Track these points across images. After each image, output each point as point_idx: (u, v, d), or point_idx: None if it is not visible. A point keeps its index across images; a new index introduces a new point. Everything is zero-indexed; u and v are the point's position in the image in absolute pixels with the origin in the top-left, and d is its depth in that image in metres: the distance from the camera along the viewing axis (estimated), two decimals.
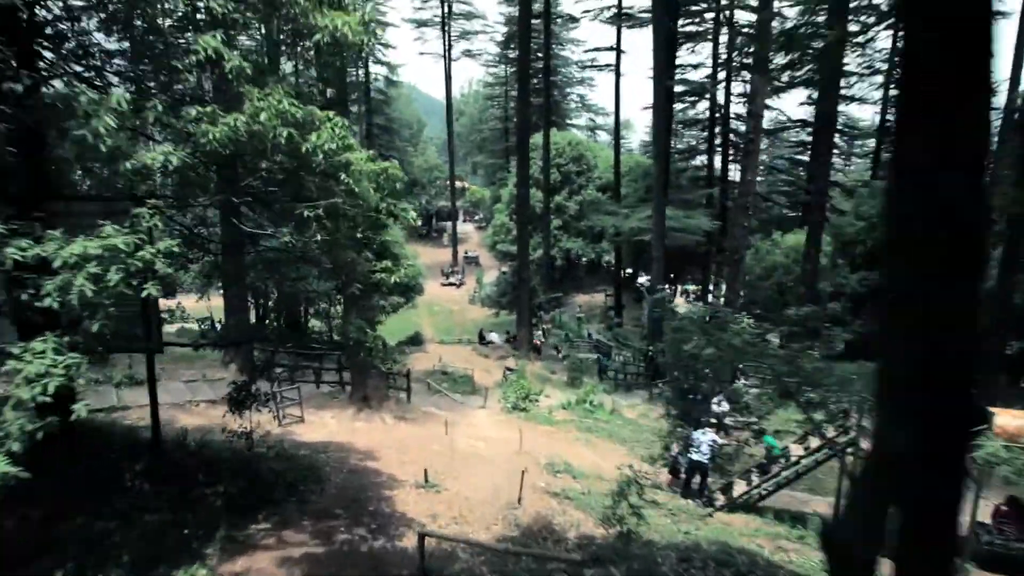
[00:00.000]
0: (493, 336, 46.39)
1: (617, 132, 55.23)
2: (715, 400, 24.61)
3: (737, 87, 62.93)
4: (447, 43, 77.60)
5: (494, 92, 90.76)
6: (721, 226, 52.16)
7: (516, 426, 22.80)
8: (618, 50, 57.38)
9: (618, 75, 56.95)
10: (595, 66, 62.19)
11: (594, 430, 25.05)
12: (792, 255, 46.49)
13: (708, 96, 59.37)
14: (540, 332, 50.74)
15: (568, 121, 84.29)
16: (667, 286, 59.94)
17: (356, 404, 21.42)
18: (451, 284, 73.31)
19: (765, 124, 64.81)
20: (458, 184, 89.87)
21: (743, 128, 63.71)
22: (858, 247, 40.37)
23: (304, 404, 20.96)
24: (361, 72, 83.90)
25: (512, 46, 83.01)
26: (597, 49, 59.72)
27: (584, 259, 73.78)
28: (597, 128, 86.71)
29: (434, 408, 24.51)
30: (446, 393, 27.31)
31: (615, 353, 37.03)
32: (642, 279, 73.79)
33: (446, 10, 77.36)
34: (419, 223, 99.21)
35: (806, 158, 64.71)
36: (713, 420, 22.51)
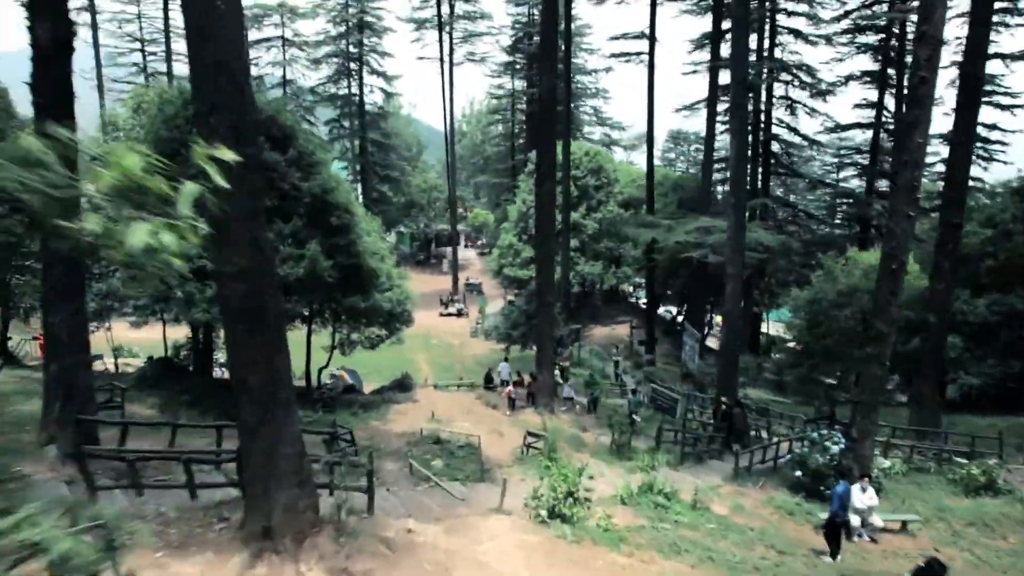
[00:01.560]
0: (503, 370, 36.14)
1: (650, 133, 45.48)
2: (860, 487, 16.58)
3: (779, 89, 53.23)
4: (447, 46, 68.08)
5: (500, 105, 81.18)
6: (782, 242, 41.99)
7: (564, 556, 12.43)
8: (651, 37, 47.55)
9: (651, 67, 47.15)
10: (623, 54, 51.83)
11: (691, 551, 14.48)
12: (874, 276, 36.14)
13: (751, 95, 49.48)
14: (556, 373, 40.47)
15: (581, 134, 74.24)
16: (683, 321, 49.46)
17: (250, 543, 10.50)
18: (451, 314, 62.99)
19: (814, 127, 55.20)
20: (459, 211, 79.92)
21: (784, 135, 54.07)
22: (986, 261, 30.11)
23: (163, 536, 10.31)
24: (355, 84, 74.23)
25: (519, 54, 73.64)
26: (624, 36, 49.33)
27: (603, 286, 63.50)
28: (613, 144, 77.33)
29: (416, 520, 13.80)
30: (438, 483, 16.64)
31: (683, 406, 26.28)
32: (665, 310, 63.50)
33: (447, 9, 67.64)
34: (416, 247, 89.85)
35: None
36: None
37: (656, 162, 64.43)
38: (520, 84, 76.54)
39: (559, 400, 29.16)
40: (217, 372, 30.78)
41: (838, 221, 59.06)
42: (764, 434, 26.97)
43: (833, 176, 60.96)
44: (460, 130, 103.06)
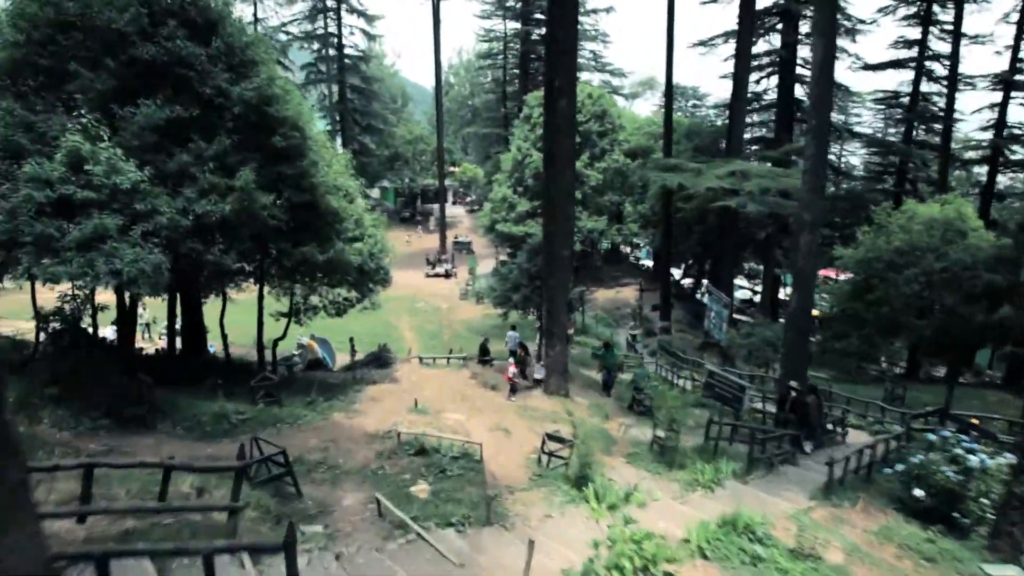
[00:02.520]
0: (511, 339, 29.97)
1: (670, 65, 38.39)
2: None
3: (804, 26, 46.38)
4: None
5: (490, 49, 73.29)
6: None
7: None
8: None
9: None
10: None
11: None
12: (941, 231, 30.01)
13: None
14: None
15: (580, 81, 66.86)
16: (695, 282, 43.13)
17: None
18: (438, 275, 56.50)
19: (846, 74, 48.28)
20: (447, 167, 72.68)
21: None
22: None
23: None
24: (333, 24, 66.46)
25: None
26: None
27: (605, 245, 57.14)
28: (614, 92, 69.85)
29: None
30: (420, 533, 10.25)
31: (748, 396, 19.90)
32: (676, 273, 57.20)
33: None
34: (400, 204, 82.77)
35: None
36: None
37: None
38: (513, 26, 68.93)
39: (555, 377, 22.93)
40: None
41: (865, 174, 52.68)
42: (836, 427, 20.86)
43: (859, 124, 54.55)
44: (447, 82, 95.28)
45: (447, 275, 56.24)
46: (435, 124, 65.03)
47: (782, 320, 46.53)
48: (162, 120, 14.98)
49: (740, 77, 35.51)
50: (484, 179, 72.10)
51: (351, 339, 34.91)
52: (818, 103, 17.65)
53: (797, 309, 19.13)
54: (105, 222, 12.09)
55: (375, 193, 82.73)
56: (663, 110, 54.09)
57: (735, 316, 40.45)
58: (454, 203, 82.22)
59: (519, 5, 66.29)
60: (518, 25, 68.12)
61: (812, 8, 43.66)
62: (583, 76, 66.34)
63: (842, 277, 54.07)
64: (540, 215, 50.08)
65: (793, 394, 19.07)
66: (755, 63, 45.91)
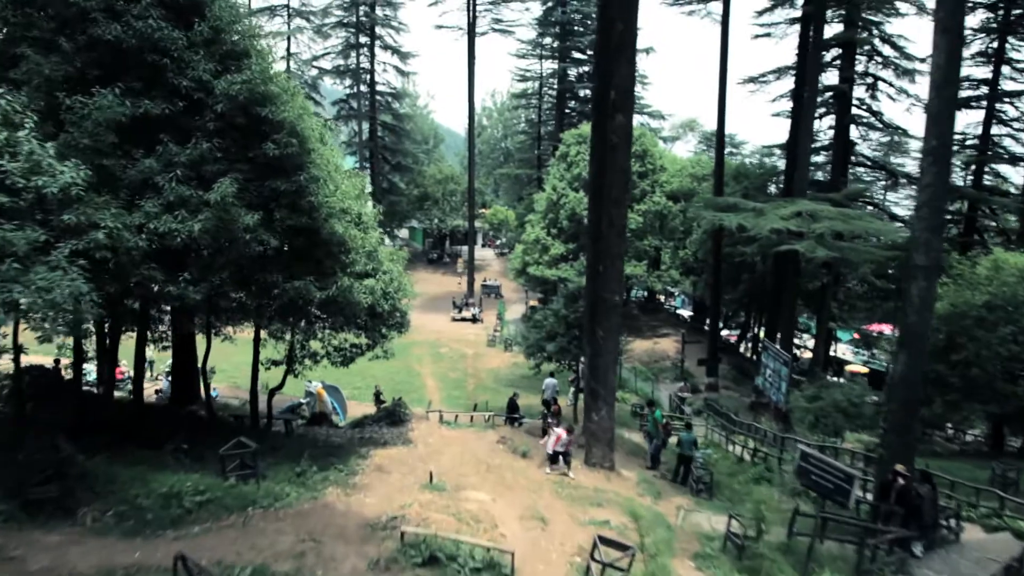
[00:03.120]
0: (548, 387, 26.23)
1: (722, 97, 34.97)
2: None
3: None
4: (470, 12, 57.54)
5: (525, 90, 70.69)
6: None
7: None
8: None
9: (727, 14, 36.09)
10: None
11: None
12: None
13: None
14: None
15: None
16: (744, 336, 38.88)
17: None
18: (465, 319, 52.91)
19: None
20: (478, 208, 69.57)
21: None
22: None
23: None
24: (366, 60, 64.46)
25: (549, 28, 63.58)
26: None
27: (640, 293, 53.29)
28: (653, 134, 66.56)
29: None
30: None
31: (857, 487, 15.68)
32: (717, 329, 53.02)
33: None
34: (428, 244, 79.84)
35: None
36: None
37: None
38: (549, 66, 66.39)
39: (599, 446, 18.94)
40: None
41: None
42: (948, 521, 16.62)
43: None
44: (480, 124, 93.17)
45: (474, 320, 52.68)
46: (466, 165, 62.24)
47: (842, 380, 42.37)
48: (124, 116, 11.69)
49: (805, 110, 31.83)
50: (515, 221, 69.00)
51: (377, 389, 31.20)
52: (939, 118, 13.96)
53: (905, 375, 15.15)
54: (8, 236, 8.65)
55: (403, 233, 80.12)
56: (705, 152, 50.79)
57: None
58: (484, 246, 79.18)
59: (555, 43, 63.81)
60: (554, 65, 65.60)
61: (872, 35, 40.57)
62: None
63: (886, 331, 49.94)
64: (571, 258, 46.79)
65: (899, 481, 14.97)
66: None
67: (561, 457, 17.51)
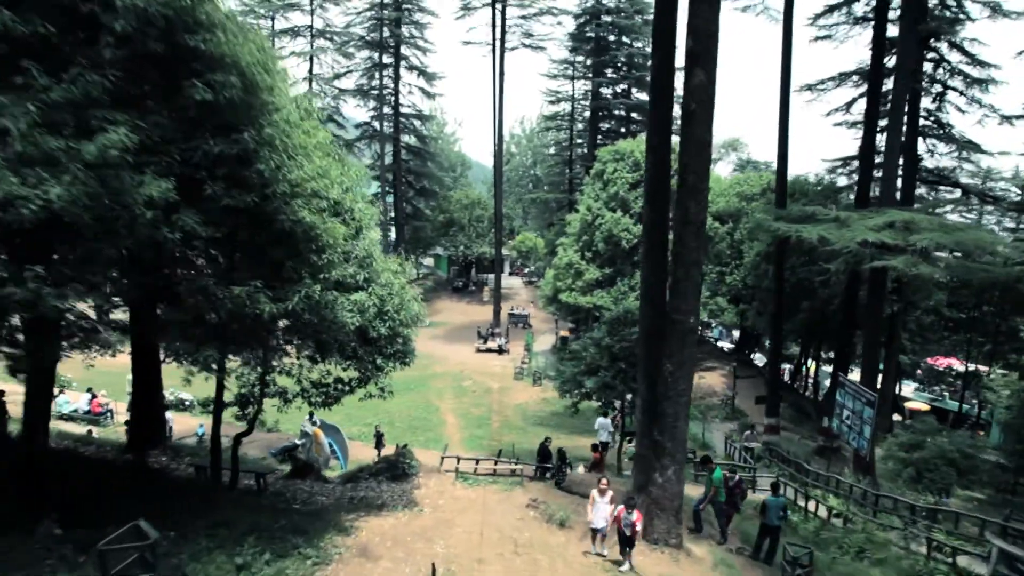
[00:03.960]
0: (602, 429, 21.65)
1: (785, 107, 30.18)
2: None
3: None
4: (499, 27, 53.66)
5: (558, 112, 66.37)
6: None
7: None
8: None
9: (789, 15, 31.15)
10: None
11: None
12: None
13: None
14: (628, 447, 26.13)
15: None
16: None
17: None
18: (490, 350, 48.25)
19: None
20: (504, 232, 64.96)
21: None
22: None
23: None
24: (390, 80, 60.99)
25: (582, 44, 59.59)
26: None
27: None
28: None
29: None
30: None
31: None
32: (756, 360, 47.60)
33: None
34: (454, 272, 75.37)
35: None
36: None
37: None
38: (582, 86, 62.31)
39: (664, 518, 13.97)
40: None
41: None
42: None
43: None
44: (508, 152, 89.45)
45: (500, 351, 48.00)
46: (493, 192, 57.97)
47: (906, 420, 36.87)
48: None
49: (893, 104, 26.81)
50: (544, 249, 64.56)
51: (378, 431, 26.60)
52: None
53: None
54: None
55: (428, 261, 76.00)
56: (750, 171, 46.03)
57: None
58: (511, 274, 74.74)
59: (588, 60, 59.68)
60: (586, 85, 61.48)
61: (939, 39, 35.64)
62: None
63: (955, 365, 44.23)
64: (606, 284, 41.91)
65: None
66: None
67: (622, 544, 12.55)
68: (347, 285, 12.56)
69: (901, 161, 32.50)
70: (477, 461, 22.18)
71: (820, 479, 23.79)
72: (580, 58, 60.11)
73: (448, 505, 15.34)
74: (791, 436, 33.05)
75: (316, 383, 14.13)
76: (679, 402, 13.42)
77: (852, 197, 36.93)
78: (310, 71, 62.45)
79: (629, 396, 21.10)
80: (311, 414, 26.23)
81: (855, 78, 36.39)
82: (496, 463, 21.46)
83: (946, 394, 45.96)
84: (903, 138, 31.44)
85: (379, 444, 26.39)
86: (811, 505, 21.54)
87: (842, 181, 39.66)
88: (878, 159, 32.04)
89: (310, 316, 10.68)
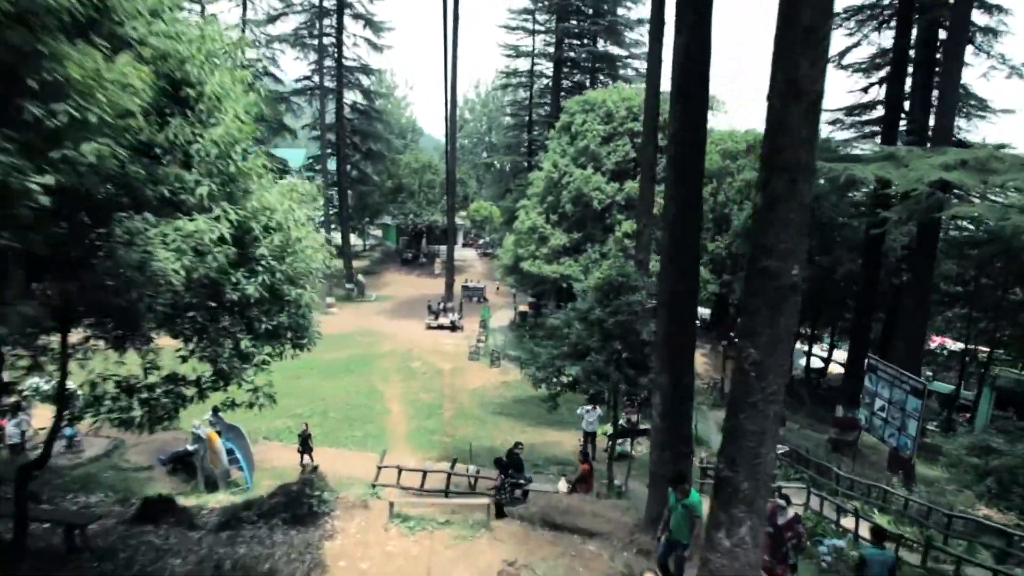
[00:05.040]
0: (589, 419, 16.41)
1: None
2: None
3: None
4: None
5: (516, 67, 59.66)
6: None
7: None
8: None
9: None
10: None
11: None
12: None
13: None
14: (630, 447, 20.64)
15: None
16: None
17: None
18: (442, 327, 42.19)
19: None
20: (459, 202, 58.26)
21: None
22: None
23: None
24: (331, 31, 53.66)
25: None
26: None
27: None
28: None
29: None
30: None
31: None
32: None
33: None
34: (403, 243, 68.69)
35: None
36: None
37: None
38: (543, 42, 55.79)
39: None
40: None
41: None
42: None
43: None
44: (462, 117, 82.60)
45: (453, 327, 41.99)
46: (446, 154, 51.48)
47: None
48: None
49: (960, 14, 21.52)
50: (501, 218, 58.44)
51: (304, 430, 20.43)
52: None
53: None
54: None
55: (376, 232, 69.22)
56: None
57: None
58: (465, 245, 68.50)
59: (552, 7, 53.12)
60: (548, 39, 55.04)
61: None
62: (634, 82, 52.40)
63: (952, 345, 39.93)
64: (574, 251, 35.74)
65: None
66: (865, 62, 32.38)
67: None
68: (177, 203, 6.50)
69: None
70: (424, 474, 16.36)
71: (856, 487, 18.63)
72: (542, 4, 53.37)
73: (376, 571, 9.47)
74: (790, 426, 28.02)
75: (128, 386, 7.91)
76: (765, 413, 7.71)
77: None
78: (243, 17, 54.70)
79: (624, 387, 15.47)
80: (215, 409, 20.11)
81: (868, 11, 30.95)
82: (449, 479, 15.66)
83: (930, 374, 41.83)
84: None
85: (305, 447, 20.34)
86: (847, 522, 16.35)
87: (839, 136, 34.49)
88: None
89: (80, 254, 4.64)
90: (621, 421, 22.69)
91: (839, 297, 29.84)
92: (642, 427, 18.34)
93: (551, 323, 17.61)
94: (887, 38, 30.97)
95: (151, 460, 19.44)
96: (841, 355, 36.25)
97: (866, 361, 22.49)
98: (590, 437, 23.77)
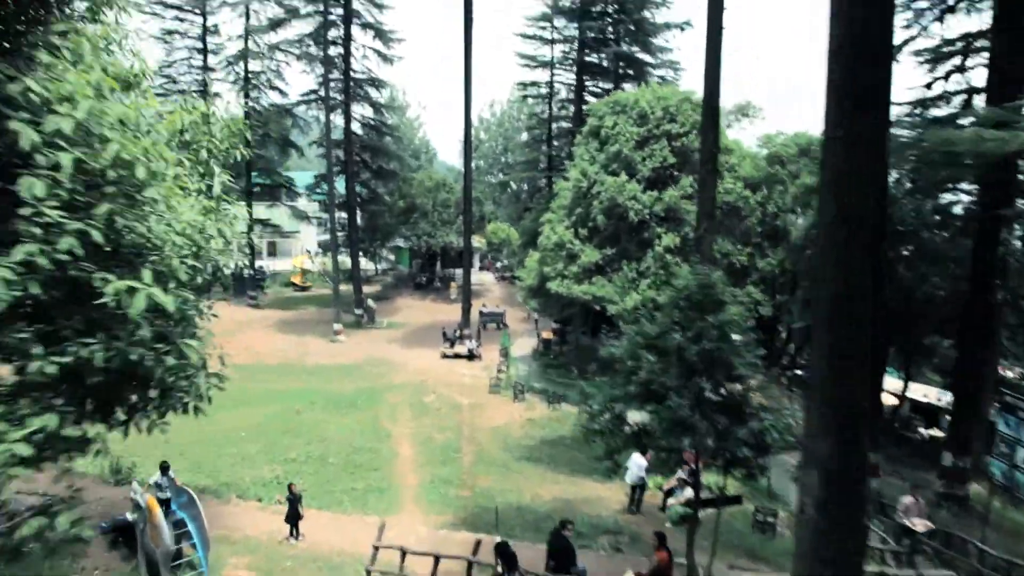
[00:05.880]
0: (635, 468, 13.29)
1: None
2: None
3: None
4: None
5: (536, 79, 55.39)
6: None
7: None
8: None
9: None
10: None
11: None
12: None
13: None
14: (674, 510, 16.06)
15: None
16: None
17: None
18: (459, 356, 37.74)
19: None
20: (476, 223, 53.87)
21: None
22: None
23: None
24: (340, 39, 50.11)
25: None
26: None
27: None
28: None
29: None
30: None
31: None
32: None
33: None
34: (416, 266, 64.18)
35: None
36: None
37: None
38: (561, 51, 51.79)
39: None
40: None
41: None
42: None
43: None
44: (477, 137, 78.71)
45: (471, 356, 37.48)
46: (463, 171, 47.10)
47: None
48: None
49: None
50: (520, 239, 54.05)
51: (292, 492, 15.73)
52: None
53: None
54: None
55: (390, 257, 65.10)
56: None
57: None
58: (481, 268, 64.19)
59: (571, 25, 49.09)
60: (568, 46, 50.99)
61: None
62: (648, 78, 47.67)
63: None
64: (609, 270, 30.97)
65: None
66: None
67: None
68: None
69: None
70: (436, 561, 11.79)
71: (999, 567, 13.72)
72: (562, 6, 49.07)
73: None
74: (888, 479, 23.06)
75: None
76: None
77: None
78: (246, 29, 51.24)
79: (711, 441, 10.86)
80: (163, 467, 15.62)
81: None
82: (471, 571, 11.07)
83: None
84: None
85: (294, 513, 15.75)
86: None
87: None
88: None
89: None
90: (681, 474, 18.04)
91: (921, 319, 25.08)
92: (731, 494, 13.59)
93: (609, 352, 12.98)
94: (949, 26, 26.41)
95: (97, 526, 15.03)
96: (921, 388, 31.09)
97: (997, 399, 17.70)
98: (638, 490, 19.19)
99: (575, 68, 49.50)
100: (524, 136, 62.52)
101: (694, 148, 31.27)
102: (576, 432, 27.14)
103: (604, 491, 21.00)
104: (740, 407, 11.46)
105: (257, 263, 56.63)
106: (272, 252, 64.69)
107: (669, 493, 18.75)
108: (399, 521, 17.27)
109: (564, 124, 53.13)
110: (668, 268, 29.00)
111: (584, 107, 47.08)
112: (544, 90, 53.92)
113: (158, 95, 41.27)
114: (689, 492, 17.86)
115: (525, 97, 55.66)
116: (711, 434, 10.90)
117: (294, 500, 15.13)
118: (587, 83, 49.56)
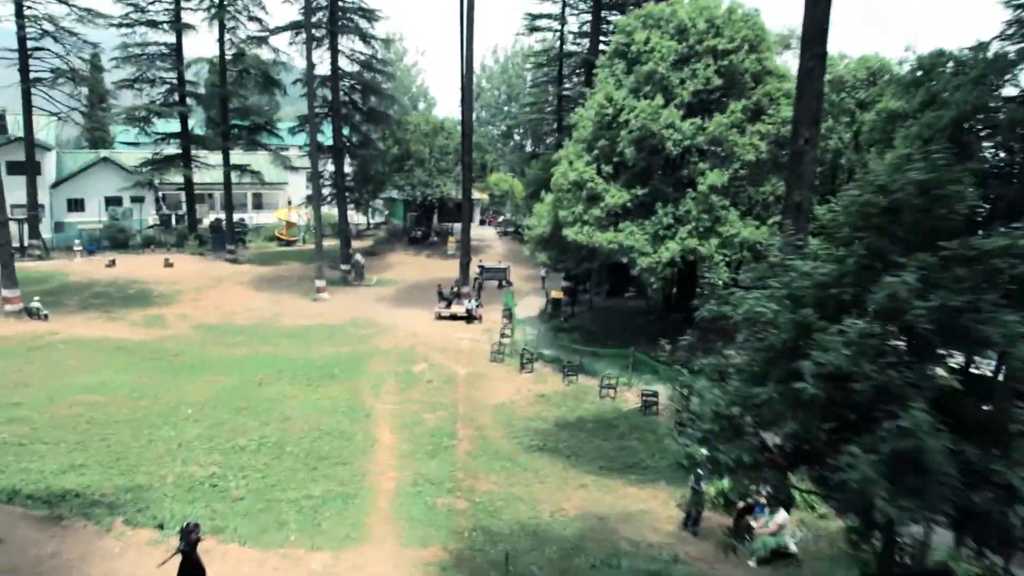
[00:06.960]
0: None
1: None
2: None
3: None
4: None
5: (544, 11, 48.37)
6: None
7: None
8: None
9: None
10: None
11: None
12: None
13: None
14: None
15: None
16: None
17: None
18: (455, 317, 31.94)
19: None
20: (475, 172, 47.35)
21: None
22: None
23: None
24: None
25: None
26: None
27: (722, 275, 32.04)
28: None
29: None
30: None
31: None
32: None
33: None
34: (411, 220, 57.19)
35: None
36: None
37: None
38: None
39: None
40: None
41: None
42: None
43: None
44: (478, 84, 71.67)
45: (469, 317, 31.66)
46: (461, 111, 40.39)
47: None
48: None
49: None
50: (524, 192, 47.75)
51: (187, 528, 9.54)
52: None
53: None
54: None
55: (380, 205, 58.68)
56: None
57: None
58: (482, 223, 58.06)
59: None
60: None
61: None
62: None
63: None
64: (638, 215, 25.08)
65: None
66: None
67: None
68: None
69: None
70: None
71: None
72: None
73: None
74: None
75: None
76: None
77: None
78: None
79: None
80: None
81: None
82: None
83: None
84: None
85: (188, 565, 9.65)
86: None
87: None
88: None
89: None
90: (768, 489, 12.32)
91: None
92: (937, 565, 7.81)
93: (708, 313, 7.07)
94: None
95: None
96: None
97: None
98: (696, 499, 13.67)
99: (592, 10, 42.28)
100: (531, 73, 55.60)
101: (745, 69, 24.97)
102: (600, 412, 21.48)
103: (646, 498, 15.37)
104: (1003, 427, 5.60)
105: (240, 216, 50.64)
106: (258, 205, 58.55)
107: (746, 511, 13.05)
108: (362, 558, 11.56)
109: (578, 59, 46.19)
110: (713, 211, 22.96)
111: (601, 39, 40.41)
112: (556, 24, 46.93)
113: (122, 25, 32.33)
114: (782, 516, 12.26)
115: (533, 30, 48.65)
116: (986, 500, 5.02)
117: (188, 551, 9.12)
118: (605, 8, 42.50)
